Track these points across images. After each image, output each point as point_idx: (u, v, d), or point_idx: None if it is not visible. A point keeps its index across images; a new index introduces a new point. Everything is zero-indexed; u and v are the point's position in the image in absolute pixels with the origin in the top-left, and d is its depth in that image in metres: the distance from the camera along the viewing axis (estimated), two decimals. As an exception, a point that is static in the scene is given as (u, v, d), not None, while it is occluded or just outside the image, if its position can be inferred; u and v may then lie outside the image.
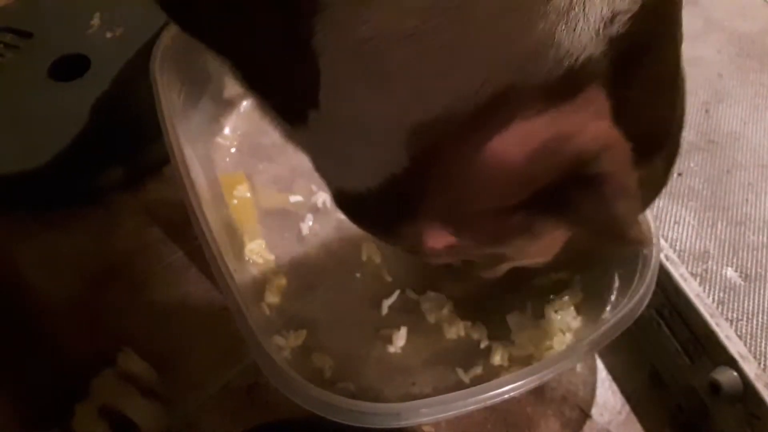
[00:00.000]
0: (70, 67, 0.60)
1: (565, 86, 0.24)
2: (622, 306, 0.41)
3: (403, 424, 0.36)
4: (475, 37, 0.23)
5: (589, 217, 0.26)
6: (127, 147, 0.57)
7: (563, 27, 0.23)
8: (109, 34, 0.63)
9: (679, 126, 0.31)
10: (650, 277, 0.42)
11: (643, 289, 0.41)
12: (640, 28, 0.24)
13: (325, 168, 0.34)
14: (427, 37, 0.23)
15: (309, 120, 0.29)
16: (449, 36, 0.23)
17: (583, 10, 0.23)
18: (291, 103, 0.29)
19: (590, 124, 0.25)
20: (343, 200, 0.34)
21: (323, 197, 0.55)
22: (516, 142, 0.25)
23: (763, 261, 0.48)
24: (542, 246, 0.33)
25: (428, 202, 0.29)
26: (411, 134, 0.26)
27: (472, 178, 0.26)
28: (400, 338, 0.48)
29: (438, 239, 0.30)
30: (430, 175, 0.27)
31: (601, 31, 0.23)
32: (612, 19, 0.23)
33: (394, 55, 0.24)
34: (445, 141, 0.26)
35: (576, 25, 0.23)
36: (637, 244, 0.29)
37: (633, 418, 0.48)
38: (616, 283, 0.46)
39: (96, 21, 0.64)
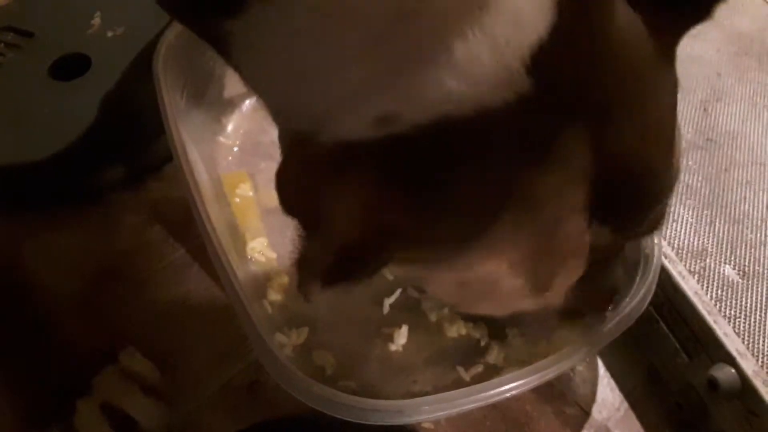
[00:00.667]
0: (71, 67, 0.60)
1: (336, 156, 0.27)
2: (624, 305, 0.41)
3: (404, 421, 0.37)
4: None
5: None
6: (129, 146, 0.57)
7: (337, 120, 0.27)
8: (109, 34, 0.63)
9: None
10: (651, 276, 0.42)
11: (645, 289, 0.41)
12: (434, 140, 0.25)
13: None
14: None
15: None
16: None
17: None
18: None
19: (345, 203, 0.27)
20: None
21: (324, 196, 0.55)
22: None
23: (761, 258, 0.48)
24: None
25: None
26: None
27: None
28: (402, 336, 0.48)
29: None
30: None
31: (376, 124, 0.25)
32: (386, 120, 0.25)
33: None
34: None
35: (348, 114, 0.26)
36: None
37: (631, 415, 0.48)
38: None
39: (97, 20, 0.64)
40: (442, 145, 0.26)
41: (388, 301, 0.49)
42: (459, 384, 0.46)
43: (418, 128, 0.25)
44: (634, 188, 0.29)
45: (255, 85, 0.32)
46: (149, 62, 0.49)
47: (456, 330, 0.48)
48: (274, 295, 0.50)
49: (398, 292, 0.50)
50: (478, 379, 0.46)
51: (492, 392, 0.37)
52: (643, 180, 0.29)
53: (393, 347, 0.48)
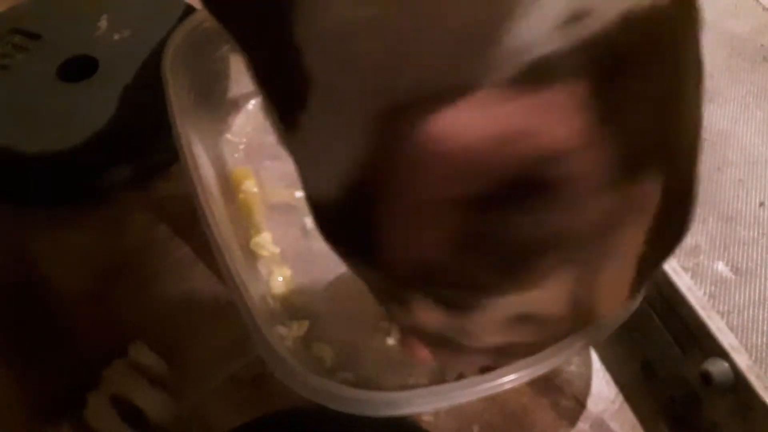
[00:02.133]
0: (79, 69, 0.61)
1: (526, 80, 0.21)
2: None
3: (401, 412, 0.37)
4: (434, 22, 0.21)
5: (544, 222, 0.23)
6: (136, 146, 0.58)
7: (522, 18, 0.20)
8: (116, 36, 0.64)
9: (682, 155, 0.27)
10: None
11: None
12: (623, 39, 0.21)
13: (304, 174, 0.30)
14: (388, 24, 0.21)
15: (299, 123, 0.26)
16: (408, 25, 0.21)
17: (539, 3, 0.20)
18: (285, 104, 0.27)
19: (555, 124, 0.21)
20: (317, 214, 0.31)
21: (326, 193, 0.55)
22: (483, 121, 0.21)
23: (753, 255, 0.49)
24: None
25: (390, 199, 0.25)
26: (375, 119, 0.23)
27: (430, 163, 0.23)
28: (399, 330, 0.49)
29: (407, 255, 0.26)
30: (389, 168, 0.24)
31: (565, 28, 0.21)
32: (577, 18, 0.21)
33: (359, 42, 0.22)
34: (404, 126, 0.22)
35: (534, 18, 0.20)
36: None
37: (626, 408, 0.49)
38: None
39: (103, 23, 0.65)
40: (634, 50, 0.21)
41: (389, 296, 0.50)
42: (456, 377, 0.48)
43: (608, 28, 0.21)
44: (683, 218, 0.27)
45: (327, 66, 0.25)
46: (157, 64, 0.50)
47: None
48: (277, 289, 0.51)
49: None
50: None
51: (489, 385, 0.37)
52: (689, 207, 0.27)
53: (391, 341, 0.49)
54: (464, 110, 0.21)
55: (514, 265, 0.24)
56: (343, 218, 0.27)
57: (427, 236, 0.25)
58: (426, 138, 0.22)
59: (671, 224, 0.27)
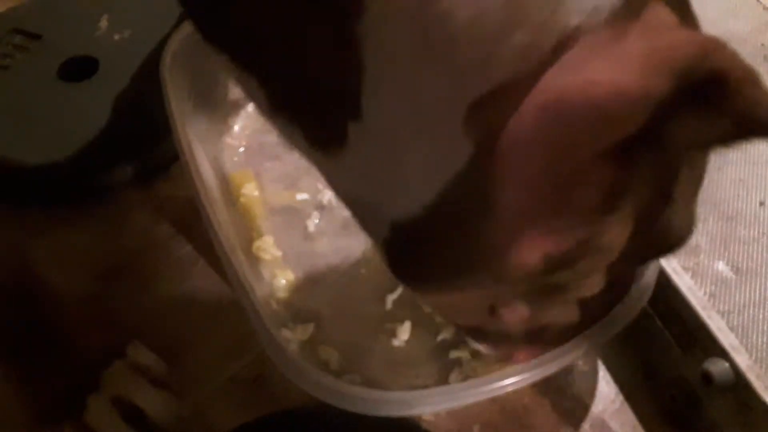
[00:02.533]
0: (79, 69, 0.61)
1: (627, 9, 0.21)
2: (622, 303, 0.41)
3: (408, 413, 0.37)
4: None
5: (731, 112, 0.21)
6: (137, 146, 0.58)
7: None
8: (117, 36, 0.64)
9: None
10: (649, 274, 0.42)
11: (642, 286, 0.42)
12: None
13: (370, 200, 0.29)
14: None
15: (348, 138, 0.25)
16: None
17: None
18: (327, 121, 0.26)
19: (679, 32, 0.22)
20: (399, 238, 0.28)
21: (329, 195, 0.56)
22: (618, 63, 0.21)
23: (754, 255, 0.49)
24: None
25: (508, 191, 0.24)
26: (473, 112, 0.23)
27: (566, 124, 0.22)
28: (404, 332, 0.49)
29: (534, 244, 0.25)
30: (503, 156, 0.23)
31: None
32: None
33: (454, 15, 0.21)
34: (512, 106, 0.22)
35: None
36: None
37: (627, 408, 0.49)
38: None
39: (104, 23, 0.65)
40: None
41: (391, 297, 0.50)
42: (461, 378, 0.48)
43: None
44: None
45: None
46: (157, 64, 0.50)
47: (452, 328, 0.49)
48: (280, 292, 0.51)
49: (400, 288, 0.50)
50: (479, 373, 0.48)
51: (494, 386, 0.37)
52: None
53: (396, 342, 0.49)
54: (598, 63, 0.21)
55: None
56: (441, 229, 0.26)
57: (573, 202, 0.24)
58: (581, 86, 0.21)
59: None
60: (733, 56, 0.21)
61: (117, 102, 0.59)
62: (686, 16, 0.24)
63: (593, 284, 0.32)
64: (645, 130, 0.22)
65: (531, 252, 0.25)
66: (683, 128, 0.22)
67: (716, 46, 0.21)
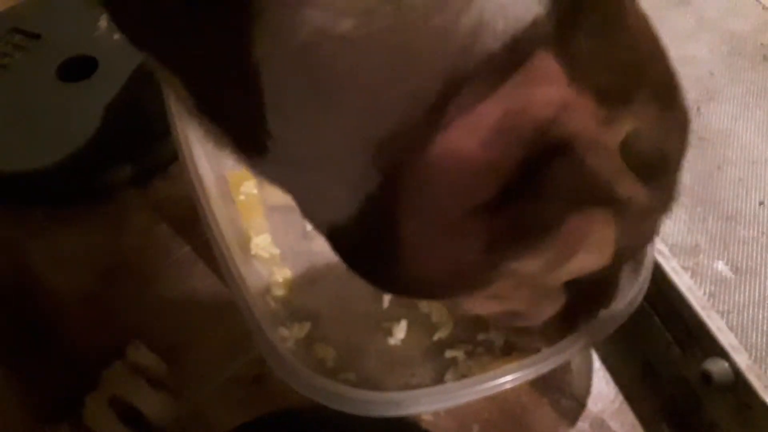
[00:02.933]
0: (78, 68, 0.61)
1: (509, 58, 0.21)
2: (618, 301, 0.42)
3: (403, 412, 0.37)
4: (415, 32, 0.21)
5: (568, 185, 0.23)
6: (136, 146, 0.58)
7: None
8: (116, 36, 0.63)
9: (649, 68, 0.27)
10: (645, 272, 0.42)
11: (638, 285, 0.42)
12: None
13: (302, 203, 0.30)
14: (367, 40, 0.21)
15: (268, 151, 0.25)
16: (390, 35, 0.21)
17: None
18: (247, 131, 0.26)
19: (540, 91, 0.22)
20: (335, 238, 0.30)
21: (327, 195, 0.55)
22: (465, 131, 0.22)
23: (753, 254, 0.49)
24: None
25: (410, 222, 0.25)
26: (377, 149, 0.23)
27: (438, 180, 0.23)
28: (401, 331, 0.49)
29: (434, 266, 0.26)
30: (404, 188, 0.24)
31: None
32: None
33: (337, 62, 0.21)
34: (410, 148, 0.23)
35: None
36: (630, 203, 0.24)
37: (626, 407, 0.49)
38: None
39: (103, 22, 0.65)
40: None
41: (388, 296, 0.50)
42: (457, 377, 0.48)
43: None
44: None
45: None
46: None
47: (447, 328, 0.49)
48: (277, 291, 0.51)
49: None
50: (476, 372, 0.48)
51: (489, 384, 0.37)
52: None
53: (392, 341, 0.49)
54: (464, 115, 0.21)
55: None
56: (364, 238, 0.27)
57: (458, 242, 0.25)
58: (441, 152, 0.22)
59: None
60: (587, 123, 0.22)
61: (116, 102, 0.59)
62: (580, 64, 0.23)
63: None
64: (506, 190, 0.23)
65: (438, 265, 0.26)
66: (534, 187, 0.23)
67: (571, 104, 0.22)
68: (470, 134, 0.22)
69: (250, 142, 0.26)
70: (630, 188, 0.24)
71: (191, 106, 0.27)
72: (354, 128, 0.23)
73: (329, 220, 0.28)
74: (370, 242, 0.27)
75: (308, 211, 0.30)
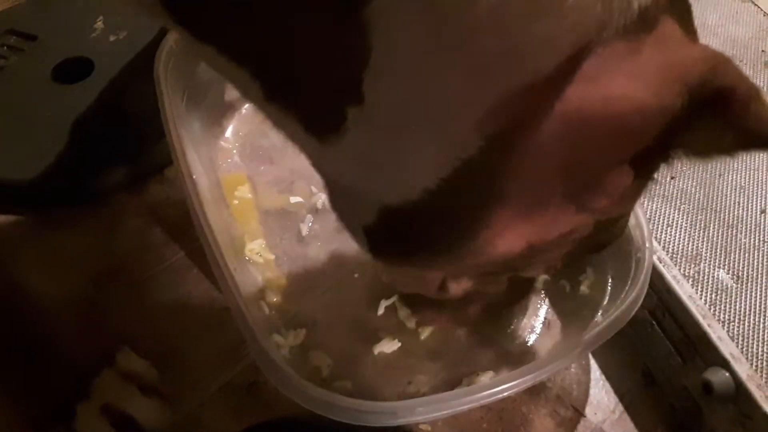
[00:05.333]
0: (74, 70, 0.61)
1: (642, 25, 0.23)
2: (616, 307, 0.41)
3: (399, 422, 0.37)
4: None
5: (736, 125, 0.24)
6: (130, 149, 0.57)
7: None
8: (112, 38, 0.63)
9: None
10: (643, 279, 0.42)
11: (636, 291, 0.41)
12: None
13: (361, 186, 0.29)
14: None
15: (347, 123, 0.26)
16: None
17: None
18: (324, 106, 0.26)
19: (689, 47, 0.24)
20: (387, 223, 0.29)
21: (323, 198, 0.55)
22: (635, 78, 0.23)
23: (755, 263, 0.48)
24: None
25: (515, 186, 0.25)
26: (491, 110, 0.23)
27: (586, 135, 0.24)
28: (397, 339, 0.48)
29: (523, 233, 0.27)
30: (520, 155, 0.24)
31: None
32: None
33: (472, 7, 0.21)
34: (528, 111, 0.23)
35: None
36: None
37: (626, 418, 0.48)
38: (610, 285, 0.46)
39: (100, 24, 0.65)
40: None
41: (385, 303, 0.50)
42: (453, 385, 0.47)
43: None
44: None
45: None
46: (150, 65, 0.49)
47: (428, 331, 0.49)
48: (272, 297, 0.50)
49: (395, 295, 0.50)
50: (473, 380, 0.47)
51: (486, 393, 0.37)
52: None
53: (388, 349, 0.48)
54: (614, 79, 0.23)
55: None
56: (439, 212, 0.27)
57: (581, 203, 0.26)
58: (602, 100, 0.23)
59: None
60: (740, 73, 0.23)
61: (111, 104, 0.58)
62: (689, 29, 0.25)
63: (541, 268, 0.35)
64: (658, 141, 0.24)
65: (517, 240, 0.27)
66: (692, 140, 0.25)
67: (725, 62, 0.23)
68: (641, 82, 0.23)
69: (327, 118, 0.26)
70: None
71: (260, 98, 0.27)
72: (473, 84, 0.23)
73: (396, 198, 0.28)
74: (448, 214, 0.27)
75: (358, 201, 0.30)
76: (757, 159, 0.55)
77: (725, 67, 0.23)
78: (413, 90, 0.24)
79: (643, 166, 0.26)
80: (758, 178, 0.54)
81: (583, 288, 0.50)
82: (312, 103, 0.26)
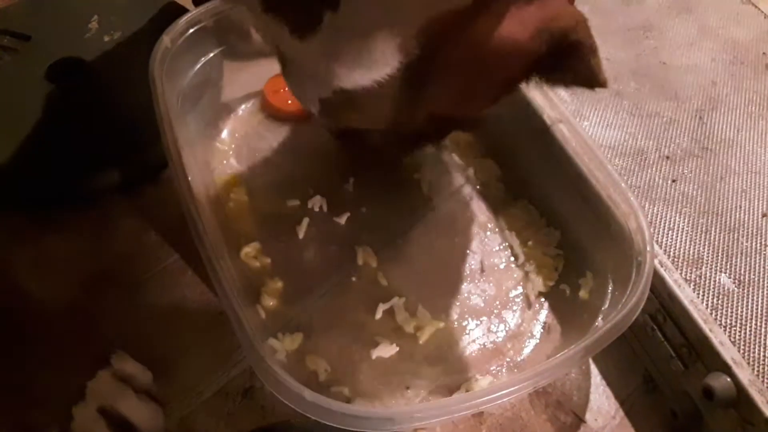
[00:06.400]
0: (68, 71, 0.60)
1: None
2: (617, 312, 0.41)
3: (396, 428, 0.36)
4: None
5: (577, 71, 0.34)
6: (125, 150, 0.57)
7: None
8: (106, 38, 0.63)
9: None
10: (644, 283, 0.42)
11: (637, 296, 0.41)
12: None
13: (324, 72, 0.38)
14: None
15: (323, 26, 0.34)
16: None
17: None
18: (307, 13, 0.35)
19: (565, 7, 0.34)
20: (341, 98, 0.39)
21: (319, 201, 0.55)
22: (520, 25, 0.33)
23: (756, 267, 0.48)
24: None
25: (433, 81, 0.35)
26: (426, 24, 0.32)
27: (483, 58, 0.34)
28: (394, 343, 0.48)
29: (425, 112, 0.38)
30: (439, 66, 0.34)
31: None
32: None
33: None
34: (451, 30, 0.33)
35: None
36: (604, 85, 0.35)
37: (627, 423, 0.48)
38: (610, 290, 0.46)
39: (94, 25, 0.64)
40: None
41: (383, 307, 0.49)
42: (452, 390, 0.47)
43: None
44: None
45: None
46: (145, 66, 0.49)
47: (427, 332, 0.49)
48: (268, 300, 0.49)
49: (394, 299, 0.50)
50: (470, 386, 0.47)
51: (485, 399, 0.36)
52: None
53: (386, 354, 0.48)
54: (512, 20, 0.33)
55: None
56: (375, 96, 0.37)
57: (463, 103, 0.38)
58: (499, 36, 0.33)
59: None
60: (590, 33, 0.34)
61: (105, 105, 0.58)
62: None
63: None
64: (524, 71, 0.35)
65: (422, 113, 0.39)
66: (547, 73, 0.35)
67: (583, 22, 0.33)
68: (523, 28, 0.33)
69: (309, 20, 0.35)
70: (604, 79, 0.35)
71: (258, 12, 0.36)
72: (417, 3, 0.32)
73: (345, 84, 0.37)
74: (389, 95, 0.37)
75: (319, 83, 0.39)
76: (758, 162, 0.55)
77: (583, 26, 0.33)
78: (373, 4, 0.32)
79: (508, 86, 0.37)
80: (760, 182, 0.53)
81: (583, 293, 0.49)
82: (298, 11, 0.35)
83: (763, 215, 0.51)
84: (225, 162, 0.58)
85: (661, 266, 0.47)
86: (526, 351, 0.49)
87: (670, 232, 0.50)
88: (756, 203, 0.52)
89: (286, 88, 0.49)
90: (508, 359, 0.49)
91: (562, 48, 0.33)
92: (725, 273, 0.48)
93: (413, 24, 0.33)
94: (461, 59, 0.34)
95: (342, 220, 0.54)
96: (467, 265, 0.53)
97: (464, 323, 0.50)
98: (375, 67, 0.35)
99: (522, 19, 0.33)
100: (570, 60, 0.34)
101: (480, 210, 0.56)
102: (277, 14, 0.36)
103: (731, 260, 0.48)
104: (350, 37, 0.35)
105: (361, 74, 0.36)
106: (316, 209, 0.55)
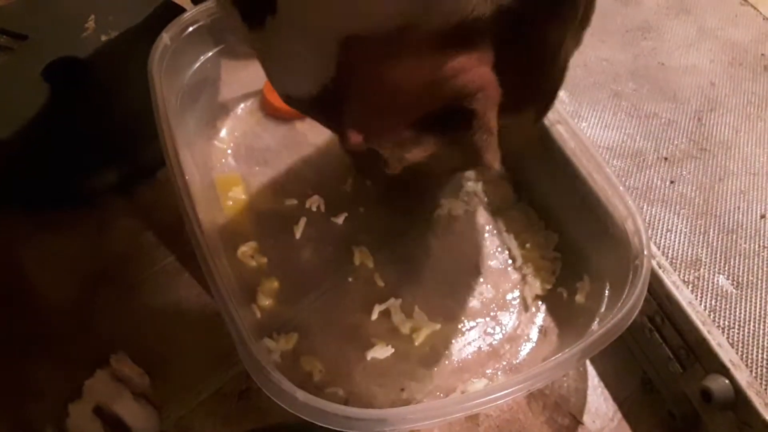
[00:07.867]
0: (65, 70, 0.60)
1: (456, 34, 0.30)
2: (614, 314, 0.41)
3: (390, 429, 0.36)
4: None
5: (459, 140, 0.33)
6: (122, 150, 0.56)
7: None
8: (104, 38, 0.63)
9: (551, 94, 0.39)
10: (641, 285, 0.41)
11: (634, 299, 0.41)
12: (527, 7, 0.30)
13: (273, 74, 0.38)
14: None
15: (265, 25, 0.34)
16: None
17: None
18: (254, 7, 0.34)
19: (473, 69, 0.31)
20: (289, 102, 0.39)
21: (317, 201, 0.55)
22: (412, 71, 0.31)
23: (755, 268, 0.48)
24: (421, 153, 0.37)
25: (348, 109, 0.34)
26: (340, 46, 0.31)
27: (380, 94, 0.32)
28: (390, 345, 0.48)
29: (356, 138, 0.35)
30: (350, 87, 0.33)
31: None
32: None
33: None
34: (362, 58, 0.31)
35: None
36: (488, 167, 0.34)
37: (625, 425, 0.48)
38: (607, 292, 0.46)
39: (91, 24, 0.64)
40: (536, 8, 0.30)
41: (379, 309, 0.49)
42: (448, 392, 0.46)
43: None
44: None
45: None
46: (143, 66, 0.49)
47: (423, 334, 0.49)
48: (264, 300, 0.49)
49: (390, 300, 0.50)
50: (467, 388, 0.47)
51: (481, 400, 0.36)
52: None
53: (381, 355, 0.47)
54: (406, 64, 0.31)
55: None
56: (316, 107, 0.36)
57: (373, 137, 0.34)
58: (396, 74, 0.31)
59: None
60: (492, 107, 0.32)
61: (102, 104, 0.58)
62: (504, 59, 0.32)
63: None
64: (417, 122, 0.33)
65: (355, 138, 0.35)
66: (436, 129, 0.33)
67: (489, 94, 0.32)
68: (418, 75, 0.31)
69: (255, 16, 0.35)
70: (491, 161, 0.34)
71: (229, 4, 0.36)
72: (331, 23, 0.31)
73: (293, 92, 0.37)
74: (321, 112, 0.37)
75: (274, 80, 0.39)
76: (757, 163, 0.55)
77: (485, 98, 0.32)
78: (302, 19, 0.32)
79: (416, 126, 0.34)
80: (759, 183, 0.53)
81: (580, 297, 0.49)
82: (247, 7, 0.35)
83: (762, 216, 0.51)
84: (223, 161, 0.58)
85: (659, 268, 0.47)
86: (523, 354, 0.49)
87: (668, 233, 0.49)
88: (754, 205, 0.52)
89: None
90: (504, 362, 0.48)
91: (453, 111, 0.32)
92: (723, 275, 0.48)
93: (334, 37, 0.31)
94: (365, 88, 0.33)
95: (339, 220, 0.54)
96: (464, 267, 0.53)
97: (460, 325, 0.50)
98: (301, 78, 0.35)
99: (420, 65, 0.31)
100: (457, 127, 0.32)
101: (479, 212, 0.56)
102: (235, 6, 0.36)
103: (729, 262, 0.48)
104: (281, 45, 0.34)
105: (290, 81, 0.36)
106: (314, 209, 0.55)
